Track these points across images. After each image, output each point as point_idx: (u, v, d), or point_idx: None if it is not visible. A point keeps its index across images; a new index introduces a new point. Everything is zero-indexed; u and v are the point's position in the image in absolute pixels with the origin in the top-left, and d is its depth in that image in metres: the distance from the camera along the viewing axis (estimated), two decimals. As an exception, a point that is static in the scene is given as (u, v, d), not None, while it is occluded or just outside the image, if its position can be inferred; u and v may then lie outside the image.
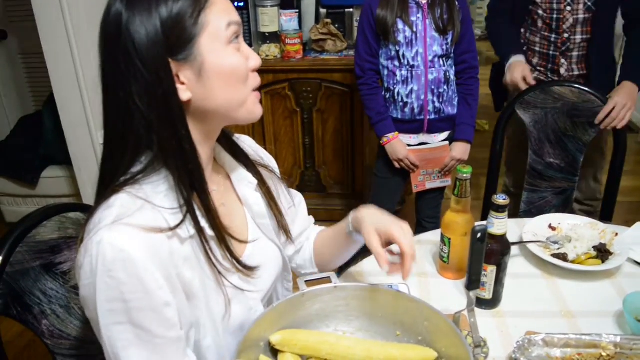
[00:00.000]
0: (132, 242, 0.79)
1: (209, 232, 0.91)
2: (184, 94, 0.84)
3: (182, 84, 0.84)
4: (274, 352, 0.97)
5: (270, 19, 2.86)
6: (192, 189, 0.88)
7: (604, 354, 1.03)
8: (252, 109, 0.92)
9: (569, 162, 1.97)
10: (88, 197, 2.70)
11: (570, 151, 1.96)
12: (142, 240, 0.80)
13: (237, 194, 1.06)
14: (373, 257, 1.35)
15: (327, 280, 1.04)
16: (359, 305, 1.03)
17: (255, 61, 0.90)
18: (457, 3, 2.00)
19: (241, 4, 2.84)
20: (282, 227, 1.11)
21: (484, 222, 1.06)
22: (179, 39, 0.81)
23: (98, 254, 0.78)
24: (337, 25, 2.85)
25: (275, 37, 2.89)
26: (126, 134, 0.85)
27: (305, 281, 1.03)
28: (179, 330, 0.86)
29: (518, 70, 2.04)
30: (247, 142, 1.15)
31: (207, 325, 0.92)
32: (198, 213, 0.88)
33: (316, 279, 1.04)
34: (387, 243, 1.04)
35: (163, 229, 0.83)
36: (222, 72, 0.85)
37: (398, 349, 0.98)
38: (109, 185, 0.87)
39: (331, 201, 3.07)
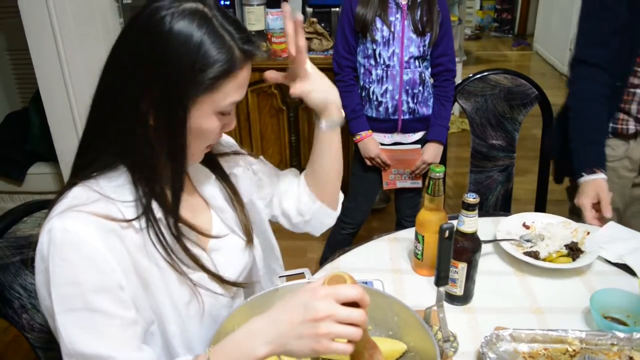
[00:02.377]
0: (81, 226, 0.81)
1: (166, 230, 0.91)
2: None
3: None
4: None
5: (256, 17, 2.88)
6: (151, 187, 0.89)
7: (569, 349, 1.06)
8: (194, 159, 0.96)
9: (509, 141, 2.17)
10: (74, 194, 2.71)
11: (508, 131, 2.15)
12: (93, 224, 0.82)
13: (198, 191, 1.06)
14: (349, 253, 1.38)
15: (302, 276, 1.07)
16: (332, 301, 1.06)
17: (229, 127, 0.94)
18: (437, 5, 2.02)
19: (227, 2, 2.85)
20: (242, 223, 1.09)
21: (454, 221, 1.09)
22: (176, 89, 0.82)
23: (49, 240, 0.80)
24: (323, 24, 2.87)
25: (262, 36, 2.91)
26: (108, 129, 0.86)
27: (280, 276, 1.06)
28: (135, 312, 0.86)
29: (589, 196, 1.57)
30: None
31: (169, 313, 0.92)
32: (155, 208, 0.90)
33: (291, 275, 1.06)
34: None
35: (116, 218, 0.85)
36: (193, 132, 0.87)
37: (387, 342, 1.01)
38: (75, 177, 0.89)
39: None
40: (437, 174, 1.18)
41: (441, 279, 1.01)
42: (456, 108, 4.70)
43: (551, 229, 1.42)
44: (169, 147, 0.87)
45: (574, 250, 1.36)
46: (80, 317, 0.80)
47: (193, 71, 0.81)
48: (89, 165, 0.89)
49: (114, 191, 0.87)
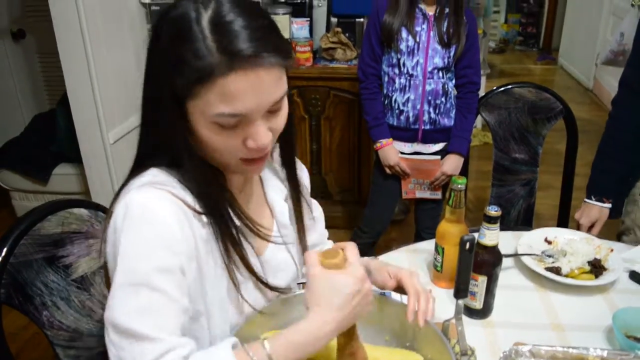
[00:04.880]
0: (159, 202, 0.82)
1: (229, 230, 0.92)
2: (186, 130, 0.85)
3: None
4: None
5: (282, 26, 2.87)
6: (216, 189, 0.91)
7: (590, 367, 1.04)
8: (240, 172, 0.94)
9: (532, 155, 2.14)
10: (97, 195, 2.74)
11: (532, 145, 2.13)
12: (170, 203, 0.83)
13: (267, 200, 1.06)
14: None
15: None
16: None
17: (254, 144, 0.83)
18: (465, 17, 2.02)
19: (254, 11, 2.87)
20: (302, 245, 1.10)
21: (475, 233, 1.08)
22: (175, 90, 0.80)
23: (126, 213, 0.81)
24: (347, 34, 2.88)
25: (287, 44, 2.92)
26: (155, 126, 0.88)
27: (298, 283, 1.06)
28: (188, 301, 0.85)
29: (590, 219, 1.70)
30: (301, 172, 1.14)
31: (216, 312, 0.93)
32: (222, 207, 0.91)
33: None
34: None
35: (189, 205, 0.86)
36: (203, 142, 0.84)
37: (384, 352, 1.00)
38: (146, 156, 0.90)
39: (335, 208, 3.09)
40: (459, 186, 1.17)
41: (461, 291, 1.00)
42: (479, 121, 4.67)
43: (574, 244, 1.40)
44: (181, 150, 0.86)
45: (596, 267, 1.34)
46: (139, 293, 0.79)
47: (172, 73, 0.79)
48: (156, 156, 0.89)
49: (188, 181, 0.88)
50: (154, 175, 0.87)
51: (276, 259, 1.05)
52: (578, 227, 1.70)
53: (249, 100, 0.78)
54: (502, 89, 2.10)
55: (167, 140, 0.86)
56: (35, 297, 1.14)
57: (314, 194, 1.24)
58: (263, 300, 1.01)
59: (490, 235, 1.11)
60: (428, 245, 1.40)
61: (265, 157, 0.90)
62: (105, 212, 1.26)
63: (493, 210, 1.09)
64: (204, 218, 0.88)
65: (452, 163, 2.14)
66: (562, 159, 2.11)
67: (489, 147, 2.26)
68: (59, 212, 1.19)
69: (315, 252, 0.84)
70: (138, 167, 0.90)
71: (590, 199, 1.69)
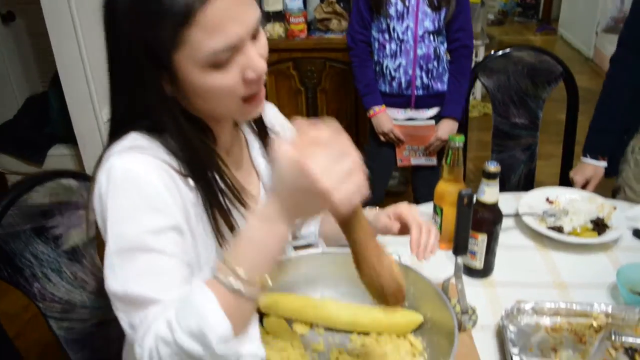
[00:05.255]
0: (142, 165, 0.79)
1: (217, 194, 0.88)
2: (168, 89, 0.82)
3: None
4: (260, 315, 0.97)
5: (274, -2, 2.84)
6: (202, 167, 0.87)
7: (594, 323, 1.02)
8: (241, 115, 0.88)
9: (532, 120, 2.09)
10: (92, 175, 2.72)
11: (532, 109, 2.08)
12: (154, 165, 0.80)
13: (253, 164, 1.04)
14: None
15: (315, 245, 1.04)
16: (345, 271, 1.02)
17: (253, 73, 0.79)
18: None
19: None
20: None
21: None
22: (154, 48, 0.76)
23: (109, 178, 0.78)
24: (341, 4, 2.82)
25: (280, 16, 2.86)
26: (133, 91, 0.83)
27: (293, 246, 1.03)
28: (187, 258, 0.81)
29: (584, 176, 1.73)
30: (268, 111, 1.11)
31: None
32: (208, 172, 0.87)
33: (304, 245, 1.03)
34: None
35: (174, 168, 0.83)
36: (198, 92, 0.80)
37: (384, 312, 0.98)
38: (121, 123, 0.86)
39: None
40: (457, 144, 1.13)
41: (460, 248, 0.97)
42: (478, 91, 4.62)
43: (576, 204, 1.37)
44: (168, 115, 0.82)
45: (599, 226, 1.31)
46: (134, 258, 0.76)
47: (146, 31, 0.75)
48: (137, 119, 0.86)
49: (171, 143, 0.84)
50: (135, 139, 0.83)
51: None
52: (572, 185, 1.72)
53: (234, 26, 0.75)
54: (501, 53, 2.05)
55: (147, 103, 0.82)
56: (25, 269, 1.11)
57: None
58: None
59: (490, 192, 1.08)
60: (426, 207, 1.37)
61: (263, 92, 0.86)
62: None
63: (492, 166, 1.06)
64: (191, 182, 0.85)
65: (447, 127, 2.12)
66: (563, 129, 2.07)
67: (489, 118, 2.22)
68: (46, 182, 1.16)
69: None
70: (115, 134, 0.87)
71: (586, 156, 1.72)
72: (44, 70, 3.45)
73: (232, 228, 0.89)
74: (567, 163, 2.08)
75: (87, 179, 1.27)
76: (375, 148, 2.23)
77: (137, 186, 0.78)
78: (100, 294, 1.26)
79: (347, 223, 0.76)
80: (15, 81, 3.53)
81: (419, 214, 1.00)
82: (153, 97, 0.81)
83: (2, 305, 2.37)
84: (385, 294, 0.80)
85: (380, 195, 2.35)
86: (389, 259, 0.80)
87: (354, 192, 0.67)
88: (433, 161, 2.23)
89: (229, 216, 0.89)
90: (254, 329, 0.74)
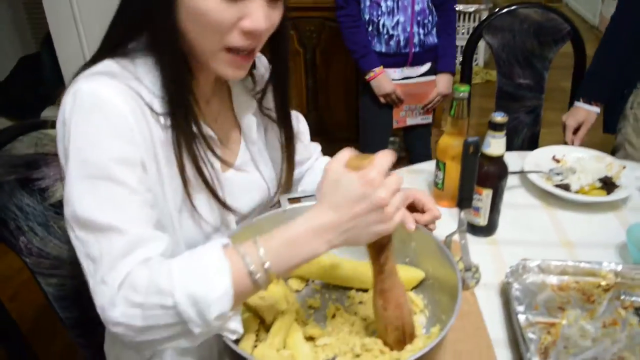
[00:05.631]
0: (111, 91, 0.74)
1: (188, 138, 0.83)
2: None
3: None
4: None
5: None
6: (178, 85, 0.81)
7: (603, 283, 0.98)
8: (220, 68, 0.81)
9: (537, 81, 2.02)
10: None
11: (537, 70, 2.01)
12: (123, 94, 0.74)
13: (235, 118, 0.99)
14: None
15: (312, 197, 0.99)
16: (344, 225, 0.98)
17: (250, 24, 0.75)
18: None
19: None
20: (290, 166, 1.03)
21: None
22: None
23: (74, 102, 0.73)
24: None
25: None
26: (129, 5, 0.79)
27: (289, 198, 0.98)
28: (153, 197, 0.77)
29: (576, 120, 1.70)
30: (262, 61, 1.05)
31: (174, 222, 0.85)
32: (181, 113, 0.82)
33: (300, 197, 0.98)
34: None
35: (146, 101, 0.78)
36: (190, 12, 0.75)
37: (383, 268, 0.93)
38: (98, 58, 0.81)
39: (334, 145, 3.00)
40: (461, 94, 1.08)
41: (464, 200, 0.92)
42: (481, 58, 4.53)
43: (583, 162, 1.32)
44: (164, 29, 0.77)
45: (608, 185, 1.26)
46: (98, 186, 0.71)
47: None
48: (119, 44, 0.81)
49: (147, 76, 0.79)
50: (108, 65, 0.78)
51: (241, 180, 0.97)
52: (564, 130, 1.70)
53: None
54: (507, 10, 1.98)
55: (149, 18, 0.77)
56: (9, 221, 1.06)
57: (311, 131, 1.16)
58: (219, 219, 0.92)
59: (496, 145, 1.02)
60: (428, 165, 1.32)
61: (250, 58, 0.82)
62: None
63: (499, 117, 1.00)
64: (162, 120, 0.80)
65: (446, 82, 2.10)
66: (568, 97, 2.00)
67: (492, 84, 2.17)
68: (31, 132, 1.11)
69: (351, 151, 0.73)
70: (90, 62, 0.81)
71: (579, 101, 1.68)
72: (37, 29, 3.36)
73: (201, 174, 0.85)
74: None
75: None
76: (371, 112, 2.18)
77: (104, 112, 0.73)
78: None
79: (383, 249, 0.76)
80: (8, 41, 3.45)
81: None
82: (158, 10, 0.76)
83: (-1, 267, 2.35)
84: (405, 334, 0.79)
85: None
86: (408, 296, 0.82)
87: (404, 215, 0.73)
88: (429, 119, 2.21)
89: (198, 162, 0.84)
90: (237, 313, 0.72)
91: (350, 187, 0.68)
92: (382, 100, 2.10)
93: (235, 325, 0.70)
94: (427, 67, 2.10)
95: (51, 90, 3.01)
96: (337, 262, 0.94)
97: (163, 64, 0.79)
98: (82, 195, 0.71)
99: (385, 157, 0.70)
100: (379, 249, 0.76)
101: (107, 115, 0.73)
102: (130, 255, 0.69)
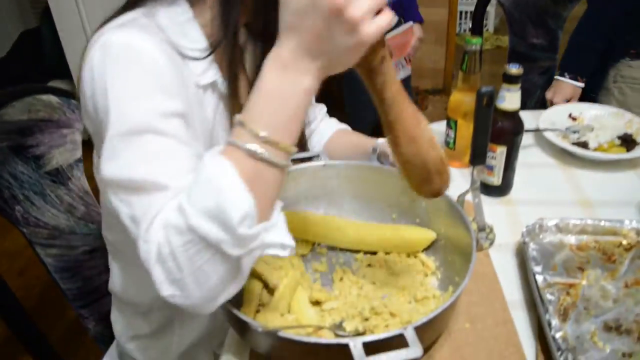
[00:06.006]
0: (147, 42, 0.68)
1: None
2: None
3: None
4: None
5: None
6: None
7: (624, 242, 0.93)
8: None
9: (550, 40, 1.96)
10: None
11: (551, 29, 1.94)
12: (158, 45, 0.69)
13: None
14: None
15: (316, 157, 0.94)
16: (351, 186, 0.94)
17: None
18: None
19: None
20: None
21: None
22: None
23: (105, 55, 0.67)
24: None
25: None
26: None
27: (291, 159, 0.93)
28: (199, 148, 0.70)
29: (563, 97, 1.61)
30: None
31: None
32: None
33: (302, 157, 0.94)
34: None
35: (183, 53, 0.73)
36: None
37: (393, 230, 0.89)
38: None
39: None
40: (473, 46, 1.02)
41: (477, 157, 0.87)
42: (491, 24, 4.42)
43: (601, 119, 1.26)
44: None
45: (628, 142, 1.20)
46: (141, 140, 0.64)
47: None
48: None
49: (179, 27, 0.74)
50: (133, 18, 0.72)
51: None
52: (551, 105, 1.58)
53: None
54: (519, -34, 1.90)
55: None
56: (4, 190, 1.03)
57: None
58: None
59: (511, 98, 0.96)
60: (438, 126, 1.26)
61: None
62: (75, 98, 1.13)
63: (514, 68, 0.94)
64: (199, 72, 0.76)
65: (419, 29, 2.11)
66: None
67: (503, 51, 2.10)
68: (24, 98, 1.07)
69: None
70: (116, 15, 0.75)
71: (564, 76, 1.59)
72: (37, 3, 3.30)
73: None
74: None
75: (67, 95, 1.17)
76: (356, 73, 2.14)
77: (142, 64, 0.67)
78: (90, 220, 1.18)
79: (375, 73, 0.63)
80: (8, 17, 3.40)
81: None
82: None
83: (6, 243, 2.34)
84: (429, 172, 0.67)
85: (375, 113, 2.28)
86: (426, 123, 0.67)
87: (383, 24, 0.57)
88: (409, 71, 2.21)
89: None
90: (280, 215, 0.62)
91: (307, 13, 0.55)
92: None
93: (280, 236, 0.60)
94: (394, 21, 2.09)
95: (52, 65, 2.97)
96: (344, 225, 0.90)
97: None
98: (121, 152, 0.64)
99: None
100: (368, 72, 0.64)
101: (146, 67, 0.67)
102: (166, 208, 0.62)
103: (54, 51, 2.88)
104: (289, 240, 0.61)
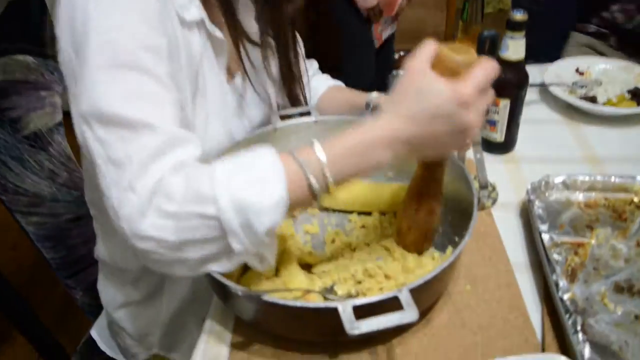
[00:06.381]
0: None
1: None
2: None
3: None
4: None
5: None
6: None
7: (635, 199, 0.87)
8: None
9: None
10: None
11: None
12: None
13: None
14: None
15: (307, 114, 0.88)
16: (344, 144, 0.88)
17: None
18: None
19: None
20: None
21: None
22: None
23: None
24: None
25: None
26: None
27: (281, 116, 0.87)
28: (181, 98, 0.67)
29: None
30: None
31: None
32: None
33: (293, 114, 0.88)
34: None
35: None
36: None
37: (388, 189, 0.83)
38: None
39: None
40: (475, -7, 0.94)
41: (479, 108, 0.80)
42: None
43: (610, 73, 1.20)
44: None
45: (638, 96, 1.13)
46: (127, 76, 0.59)
47: None
48: None
49: None
50: None
51: (247, 90, 0.87)
52: None
53: None
54: None
55: None
56: (-22, 155, 0.98)
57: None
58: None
59: (515, 47, 0.90)
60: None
61: None
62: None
63: (518, 14, 0.87)
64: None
65: None
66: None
67: (504, 14, 2.02)
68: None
69: (435, 44, 0.61)
70: None
71: None
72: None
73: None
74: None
75: (44, 56, 1.11)
76: (355, 26, 2.10)
77: None
78: (73, 186, 1.13)
79: (441, 164, 0.69)
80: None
81: None
82: None
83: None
84: (426, 238, 0.75)
85: (371, 74, 2.27)
86: None
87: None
88: (394, 27, 2.21)
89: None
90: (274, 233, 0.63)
91: (437, 101, 0.58)
92: (365, 14, 2.05)
93: (270, 254, 0.62)
94: None
95: (40, 35, 2.88)
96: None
97: None
98: (107, 86, 0.58)
99: (486, 69, 0.59)
100: (435, 166, 0.69)
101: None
102: (164, 157, 0.57)
103: (43, 22, 2.80)
104: (272, 260, 0.63)
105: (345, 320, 0.52)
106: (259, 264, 0.62)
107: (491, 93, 0.62)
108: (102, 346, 1.08)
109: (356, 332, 0.52)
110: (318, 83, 1.04)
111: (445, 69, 0.58)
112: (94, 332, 1.09)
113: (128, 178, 0.55)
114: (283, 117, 0.87)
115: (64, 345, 1.33)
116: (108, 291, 0.98)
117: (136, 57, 0.59)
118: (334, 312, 0.54)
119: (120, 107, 0.57)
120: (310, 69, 1.06)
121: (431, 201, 0.72)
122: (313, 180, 0.57)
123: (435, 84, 0.58)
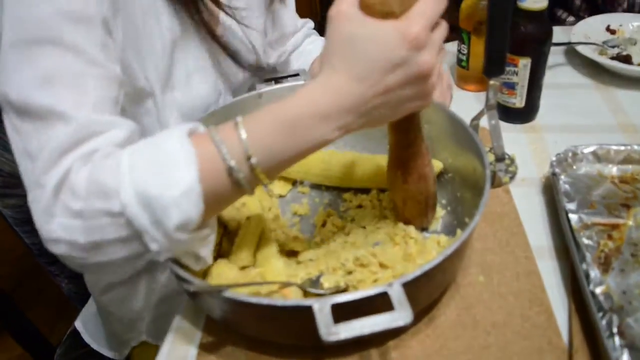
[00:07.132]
0: None
1: None
2: None
3: None
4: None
5: None
6: None
7: (678, 172, 0.75)
8: None
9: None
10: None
11: None
12: None
13: None
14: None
15: (296, 77, 0.77)
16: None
17: None
18: None
19: None
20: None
21: None
22: None
23: None
24: None
25: None
26: None
27: (265, 79, 0.76)
28: (119, 70, 0.58)
29: None
30: None
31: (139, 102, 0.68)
32: None
33: (279, 77, 0.77)
34: None
35: None
36: None
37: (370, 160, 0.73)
38: None
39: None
40: None
41: (493, 65, 0.68)
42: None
43: (646, 31, 1.06)
44: None
45: (678, 56, 1.00)
46: (38, 53, 0.51)
47: None
48: None
49: None
50: None
51: (230, 38, 0.77)
52: None
53: None
54: None
55: None
56: (-62, 131, 0.89)
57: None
58: (213, 93, 0.75)
59: (537, -5, 0.77)
60: (450, 46, 1.07)
61: None
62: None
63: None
64: None
65: None
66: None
67: None
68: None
69: None
70: None
71: None
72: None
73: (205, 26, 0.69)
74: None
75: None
76: None
77: None
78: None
79: (410, 127, 0.59)
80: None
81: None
82: None
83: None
84: (427, 207, 0.65)
85: None
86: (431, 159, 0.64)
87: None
88: None
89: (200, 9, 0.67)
90: (214, 228, 0.54)
91: (382, 47, 0.46)
92: None
93: (206, 252, 0.53)
94: None
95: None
96: (329, 156, 0.74)
97: None
98: (15, 69, 0.50)
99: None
100: (405, 126, 0.59)
101: None
102: (78, 149, 0.49)
103: None
104: (209, 259, 0.55)
105: (320, 324, 0.42)
106: (195, 264, 0.53)
107: (444, 25, 0.50)
108: (87, 338, 1.03)
109: (333, 338, 0.41)
110: (313, 46, 0.93)
111: (375, 12, 0.46)
112: (78, 323, 1.04)
113: (37, 173, 0.48)
114: (268, 80, 0.76)
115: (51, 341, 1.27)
116: (92, 276, 0.91)
117: (51, 29, 0.51)
118: (308, 311, 0.43)
119: (31, 94, 0.50)
120: (304, 29, 0.95)
121: (418, 166, 0.62)
122: (232, 163, 0.47)
123: (377, 28, 0.46)
